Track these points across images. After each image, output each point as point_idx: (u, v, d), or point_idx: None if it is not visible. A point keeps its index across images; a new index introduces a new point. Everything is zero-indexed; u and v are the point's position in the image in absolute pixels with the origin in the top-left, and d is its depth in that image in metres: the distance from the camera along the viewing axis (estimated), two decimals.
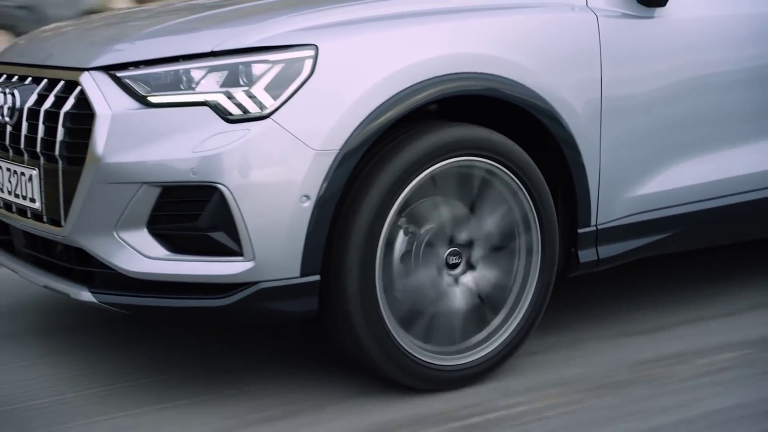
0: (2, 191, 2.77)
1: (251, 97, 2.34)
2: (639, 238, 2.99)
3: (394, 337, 2.52)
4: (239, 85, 2.35)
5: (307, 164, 2.34)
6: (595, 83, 2.79)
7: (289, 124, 2.33)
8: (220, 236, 2.35)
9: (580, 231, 2.85)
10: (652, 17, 2.93)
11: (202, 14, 2.69)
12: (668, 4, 2.95)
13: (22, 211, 2.69)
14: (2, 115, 2.69)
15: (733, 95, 3.11)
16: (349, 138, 2.37)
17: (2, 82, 2.80)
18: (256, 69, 2.36)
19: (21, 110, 2.62)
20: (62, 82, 2.54)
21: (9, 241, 2.91)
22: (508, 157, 2.62)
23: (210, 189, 2.32)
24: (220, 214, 2.33)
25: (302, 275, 2.39)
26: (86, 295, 2.48)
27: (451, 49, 2.54)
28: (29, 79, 2.69)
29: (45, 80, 2.62)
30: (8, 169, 2.72)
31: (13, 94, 2.64)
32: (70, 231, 2.47)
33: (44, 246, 2.70)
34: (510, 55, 2.63)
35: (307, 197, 2.35)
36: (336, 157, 2.36)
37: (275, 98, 2.34)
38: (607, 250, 2.93)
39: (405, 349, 2.54)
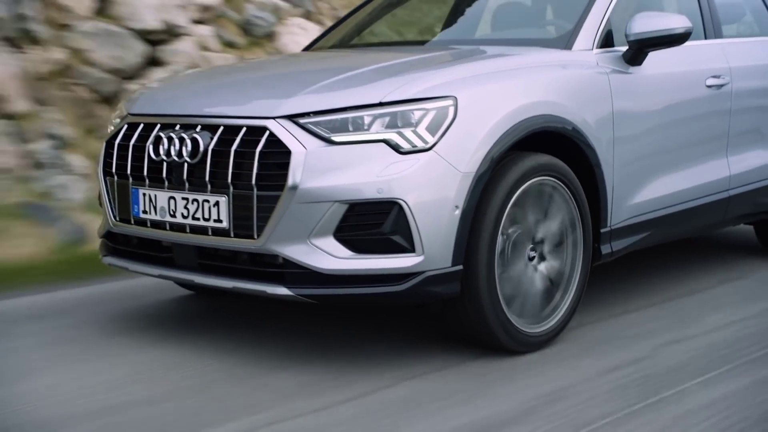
0: (173, 216, 3.41)
1: (417, 135, 3.19)
2: (636, 235, 4.06)
3: (505, 311, 3.41)
4: (406, 126, 3.19)
5: (457, 183, 3.21)
6: (609, 119, 3.84)
7: (444, 154, 3.20)
8: (397, 238, 3.16)
9: (602, 230, 3.87)
10: (633, 73, 4.03)
11: (357, 71, 3.49)
12: (644, 64, 4.05)
13: (200, 230, 3.35)
14: (179, 156, 3.35)
15: (688, 127, 4.28)
16: (480, 162, 3.27)
17: (161, 130, 3.45)
18: (417, 114, 3.21)
19: (205, 151, 3.30)
20: (245, 128, 3.26)
21: (170, 258, 3.53)
22: (566, 177, 3.61)
23: (391, 203, 3.14)
24: (399, 222, 3.15)
25: (452, 265, 3.24)
26: (283, 291, 3.20)
27: (534, 97, 3.51)
28: (198, 127, 3.37)
29: (222, 127, 3.32)
30: (184, 198, 3.38)
31: (194, 139, 3.32)
32: (266, 242, 3.19)
33: (222, 257, 3.36)
34: (565, 101, 3.63)
35: (457, 207, 3.22)
36: (474, 177, 3.25)
37: (433, 135, 3.20)
38: (617, 245, 3.97)
39: (511, 321, 3.44)
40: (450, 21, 5.00)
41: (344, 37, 4.97)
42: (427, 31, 5.05)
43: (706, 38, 4.68)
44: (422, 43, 4.67)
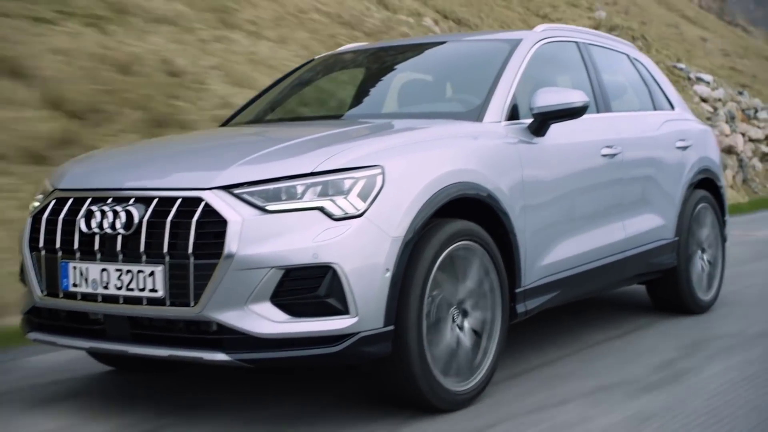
0: (106, 288, 3.44)
1: (349, 202, 3.35)
2: (548, 294, 4.31)
3: (432, 370, 3.56)
4: (338, 194, 3.34)
5: (387, 247, 3.37)
6: (520, 186, 4.10)
7: (375, 219, 3.37)
8: (332, 301, 3.28)
9: (517, 290, 4.09)
10: (538, 143, 4.32)
11: (287, 143, 3.63)
12: (546, 135, 4.35)
13: (134, 300, 3.39)
14: (112, 228, 3.41)
15: (588, 193, 4.60)
16: (408, 227, 3.45)
17: (92, 204, 3.49)
18: (348, 183, 3.37)
19: (140, 223, 3.37)
20: (180, 200, 3.35)
21: (102, 330, 3.54)
22: (485, 242, 3.82)
23: (326, 268, 3.27)
24: (334, 285, 3.28)
25: (384, 325, 3.38)
26: (221, 356, 3.26)
27: (454, 165, 3.73)
28: (132, 199, 3.44)
29: (156, 199, 3.40)
30: (117, 270, 3.42)
31: (128, 212, 3.39)
32: (203, 309, 3.26)
33: (156, 326, 3.40)
34: (480, 169, 3.86)
35: (388, 270, 3.37)
36: (402, 241, 3.42)
37: (364, 202, 3.37)
38: (531, 303, 4.20)
39: (437, 379, 3.59)
40: (359, 97, 5.22)
41: (258, 113, 5.12)
42: (338, 108, 5.26)
43: (597, 112, 5.05)
44: (337, 117, 4.87)
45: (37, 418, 3.68)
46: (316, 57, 5.58)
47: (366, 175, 3.41)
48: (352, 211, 3.35)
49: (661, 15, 29.59)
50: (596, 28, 20.11)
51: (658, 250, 5.32)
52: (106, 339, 3.54)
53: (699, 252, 5.79)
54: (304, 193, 3.35)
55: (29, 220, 3.74)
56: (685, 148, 5.68)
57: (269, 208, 3.31)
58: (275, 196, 3.34)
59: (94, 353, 4.18)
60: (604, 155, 4.81)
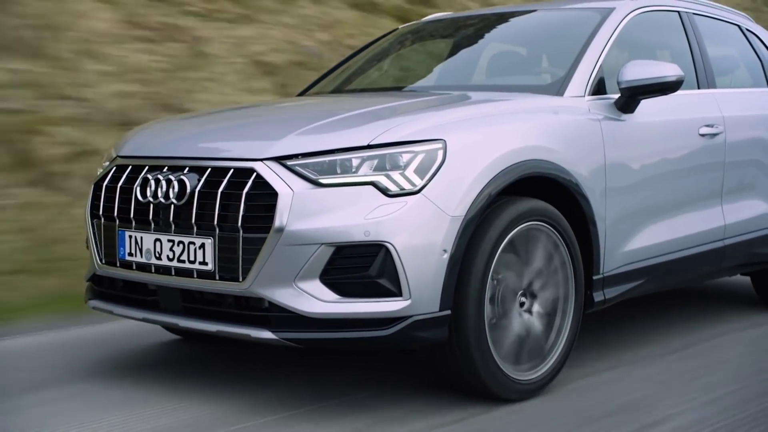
0: (159, 258, 3.37)
1: (405, 177, 3.16)
2: (630, 282, 4.01)
3: (495, 358, 3.34)
4: (395, 169, 3.16)
5: (445, 226, 3.17)
6: (602, 166, 3.81)
7: (432, 197, 3.17)
8: (384, 282, 3.11)
9: (594, 277, 3.81)
10: (626, 120, 4.01)
11: (346, 114, 3.47)
12: (636, 111, 4.04)
13: (185, 272, 3.30)
14: (165, 198, 3.32)
15: (682, 175, 4.26)
16: (470, 206, 3.23)
17: (148, 172, 3.43)
18: (405, 157, 3.18)
19: (192, 193, 3.27)
20: (232, 170, 3.23)
21: (155, 301, 3.48)
22: (557, 222, 3.57)
23: (378, 246, 3.10)
24: (386, 265, 3.10)
25: (440, 310, 3.19)
26: (267, 335, 3.14)
27: (526, 141, 3.49)
28: (186, 168, 3.35)
29: (209, 169, 3.30)
30: (170, 240, 3.34)
31: (181, 181, 3.30)
32: (251, 285, 3.14)
33: (207, 300, 3.32)
34: (556, 147, 3.61)
35: (445, 251, 3.17)
36: (463, 221, 3.21)
37: (422, 178, 3.17)
38: (610, 292, 3.91)
39: (501, 367, 3.37)
40: (441, 69, 5.00)
41: (338, 84, 4.98)
42: (419, 79, 5.04)
43: (699, 88, 4.68)
44: (416, 89, 4.67)
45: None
46: (400, 27, 5.39)
47: (425, 150, 3.22)
48: (408, 187, 3.16)
49: None
50: None
51: (764, 240, 4.91)
52: (159, 310, 3.48)
53: None
54: (359, 166, 3.18)
55: (91, 188, 3.71)
56: None
57: (322, 181, 3.15)
58: (329, 169, 3.18)
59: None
60: (703, 135, 4.45)
